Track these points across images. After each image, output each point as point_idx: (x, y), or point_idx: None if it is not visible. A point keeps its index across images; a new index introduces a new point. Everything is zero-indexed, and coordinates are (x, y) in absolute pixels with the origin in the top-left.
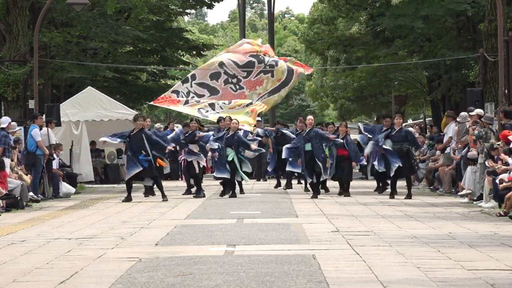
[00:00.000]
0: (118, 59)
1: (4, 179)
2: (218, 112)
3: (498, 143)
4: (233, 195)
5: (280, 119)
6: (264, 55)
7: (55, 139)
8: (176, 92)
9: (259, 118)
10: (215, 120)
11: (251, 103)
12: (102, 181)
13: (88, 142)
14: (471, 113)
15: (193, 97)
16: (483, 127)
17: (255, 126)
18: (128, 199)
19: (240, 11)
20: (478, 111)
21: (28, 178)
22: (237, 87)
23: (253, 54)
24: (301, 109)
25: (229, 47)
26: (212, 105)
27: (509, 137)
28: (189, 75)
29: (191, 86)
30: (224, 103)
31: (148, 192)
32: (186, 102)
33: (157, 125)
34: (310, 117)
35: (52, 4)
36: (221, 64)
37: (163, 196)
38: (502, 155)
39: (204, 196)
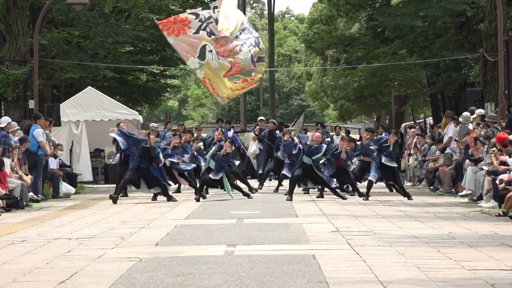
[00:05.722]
0: (118, 59)
1: (4, 179)
2: (201, 64)
3: (493, 149)
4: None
5: (279, 119)
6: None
7: (54, 139)
8: (196, 14)
9: (262, 117)
10: (197, 74)
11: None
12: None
13: (87, 142)
14: (473, 116)
15: (211, 22)
16: (488, 127)
17: (257, 126)
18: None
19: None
20: (479, 111)
21: (28, 179)
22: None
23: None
24: (301, 109)
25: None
26: (206, 48)
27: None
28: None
29: (214, 13)
30: (217, 55)
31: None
32: (200, 28)
33: (153, 124)
34: (318, 134)
35: (52, 4)
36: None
37: (170, 198)
38: (501, 157)
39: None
